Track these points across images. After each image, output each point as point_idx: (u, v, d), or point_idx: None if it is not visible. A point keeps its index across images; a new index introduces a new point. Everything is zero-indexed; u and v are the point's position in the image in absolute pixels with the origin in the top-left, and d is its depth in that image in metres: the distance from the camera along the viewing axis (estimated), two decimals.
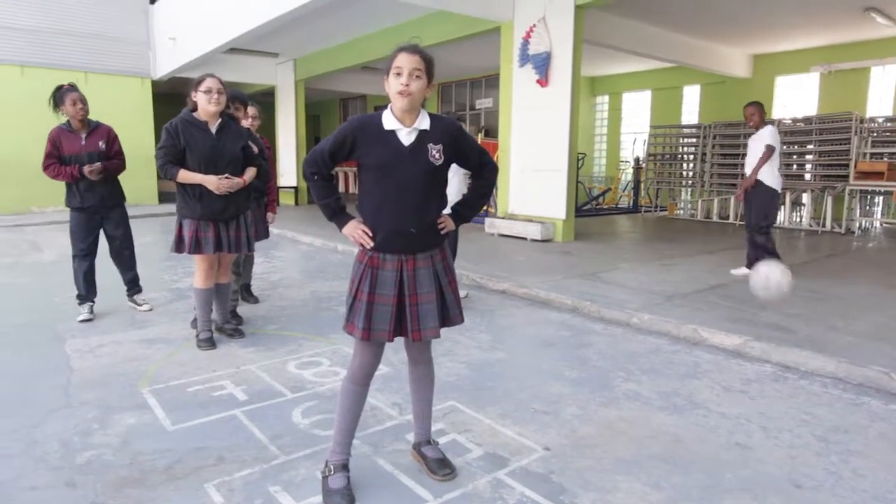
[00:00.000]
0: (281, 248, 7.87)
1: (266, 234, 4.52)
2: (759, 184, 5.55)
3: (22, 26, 11.80)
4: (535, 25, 7.79)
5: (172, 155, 3.39)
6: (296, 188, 14.18)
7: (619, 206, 13.60)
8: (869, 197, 9.82)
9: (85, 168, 4.05)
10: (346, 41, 11.36)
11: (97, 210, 4.25)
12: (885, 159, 9.28)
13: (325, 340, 3.83)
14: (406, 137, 1.93)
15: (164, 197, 13.79)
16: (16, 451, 2.34)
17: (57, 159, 4.07)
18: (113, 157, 4.24)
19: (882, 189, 9.09)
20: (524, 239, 7.91)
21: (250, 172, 3.65)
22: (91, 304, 4.34)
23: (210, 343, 3.63)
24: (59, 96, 4.09)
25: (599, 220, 10.91)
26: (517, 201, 8.40)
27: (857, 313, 4.23)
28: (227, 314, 3.94)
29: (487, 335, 3.98)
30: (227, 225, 3.57)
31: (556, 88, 7.68)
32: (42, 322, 4.20)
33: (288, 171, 14.44)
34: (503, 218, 8.45)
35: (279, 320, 4.29)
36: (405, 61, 1.88)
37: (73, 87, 4.12)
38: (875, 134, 9.77)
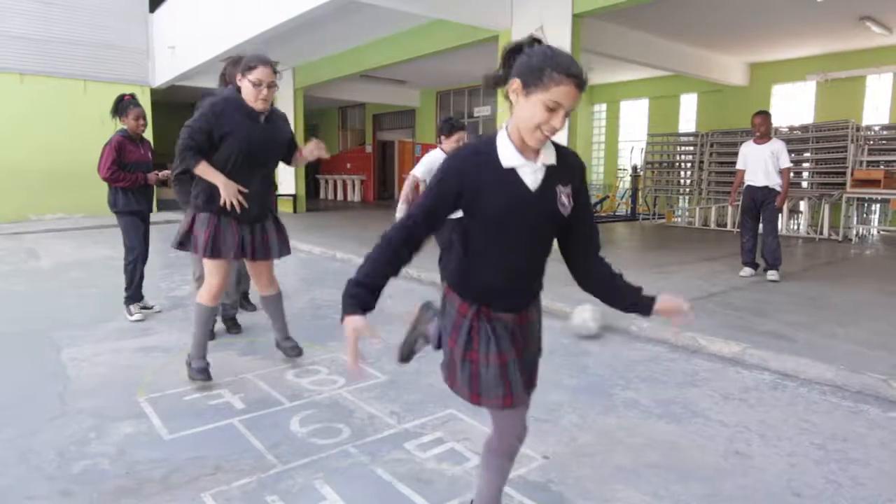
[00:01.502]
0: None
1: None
2: (773, 192, 5.74)
3: (21, 34, 11.83)
4: (540, 27, 7.83)
5: (201, 140, 2.86)
6: (294, 196, 14.18)
7: (618, 213, 13.62)
8: (866, 205, 9.86)
9: (151, 176, 4.43)
10: (345, 50, 11.41)
11: (146, 214, 4.58)
12: (882, 167, 9.32)
13: (324, 349, 3.82)
14: (531, 177, 1.48)
15: (161, 205, 13.78)
16: (11, 460, 2.33)
17: (118, 165, 4.29)
18: (155, 167, 4.59)
19: (879, 197, 9.12)
20: None
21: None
22: (140, 303, 4.61)
23: (205, 374, 3.05)
24: (123, 108, 4.34)
25: (599, 228, 10.90)
26: None
27: (856, 321, 4.23)
28: (285, 330, 3.44)
29: None
30: (252, 227, 3.10)
31: None
32: (39, 330, 4.19)
33: (286, 180, 14.45)
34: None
35: None
36: (567, 95, 1.36)
37: (135, 102, 4.39)
38: (871, 142, 9.82)
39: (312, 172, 20.39)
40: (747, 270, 5.99)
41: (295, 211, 14.04)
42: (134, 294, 4.53)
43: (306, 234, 9.54)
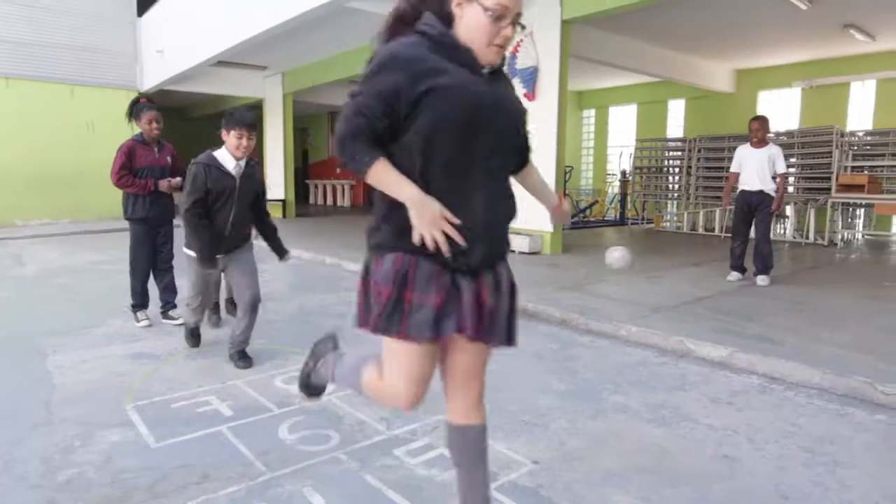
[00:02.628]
0: (268, 261, 7.78)
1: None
2: (768, 197, 5.79)
3: (7, 38, 11.72)
4: (521, 40, 7.88)
5: (378, 115, 1.46)
6: (283, 201, 14.13)
7: (607, 218, 13.70)
8: (851, 209, 9.99)
9: (163, 182, 4.25)
10: (334, 54, 11.41)
11: (158, 222, 4.40)
12: (866, 172, 9.45)
13: None
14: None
15: None
16: None
17: (128, 170, 4.19)
18: (177, 174, 4.40)
19: (863, 201, 9.25)
20: (513, 251, 7.92)
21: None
22: (147, 310, 4.52)
23: None
24: (137, 111, 4.26)
25: (587, 233, 10.97)
26: None
27: (842, 324, 4.27)
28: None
29: None
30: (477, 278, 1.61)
31: (544, 102, 7.75)
32: (24, 337, 4.13)
33: (276, 184, 14.39)
34: None
35: (267, 334, 4.25)
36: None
37: (150, 105, 4.28)
38: (855, 147, 9.96)
39: (302, 177, 20.33)
40: (735, 275, 6.04)
41: (284, 216, 13.99)
42: (139, 303, 4.49)
43: (297, 239, 9.51)
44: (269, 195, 14.33)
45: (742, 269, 6.05)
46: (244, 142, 3.34)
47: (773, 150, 5.86)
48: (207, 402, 2.98)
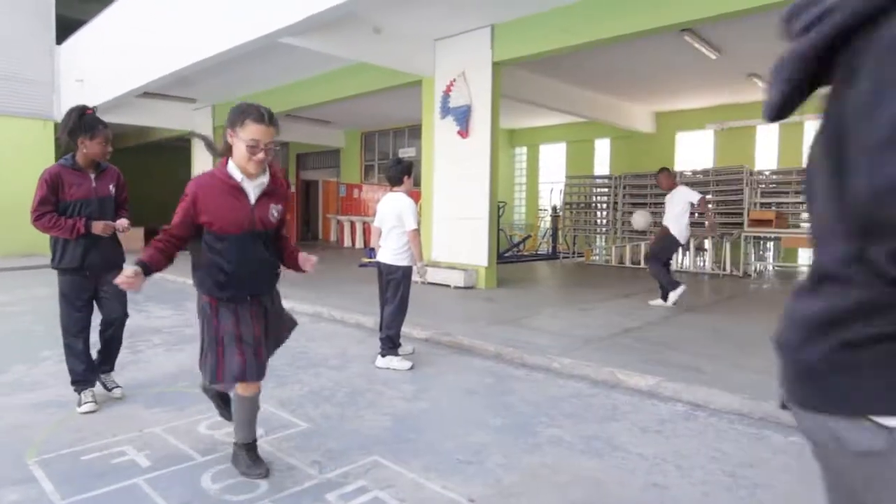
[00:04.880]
0: (196, 299, 7.48)
1: None
2: (668, 232, 6.31)
3: None
4: (455, 80, 8.09)
5: None
6: None
7: (539, 252, 14.05)
8: (762, 242, 10.71)
9: (98, 224, 3.24)
10: (267, 89, 11.30)
11: (98, 271, 3.35)
12: (773, 208, 10.20)
13: None
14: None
15: None
16: None
17: (53, 206, 3.20)
18: (121, 207, 3.50)
19: (772, 235, 9.94)
20: (447, 286, 7.96)
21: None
22: (93, 389, 3.44)
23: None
24: (88, 126, 3.24)
25: (520, 267, 11.19)
26: (440, 249, 8.49)
27: (757, 351, 4.52)
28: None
29: (411, 385, 3.92)
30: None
31: (477, 140, 7.95)
32: None
33: None
34: (426, 265, 8.48)
35: (190, 376, 4.03)
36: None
37: (102, 120, 3.33)
38: (763, 185, 10.76)
39: None
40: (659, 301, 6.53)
41: None
42: (81, 379, 3.40)
43: None
44: None
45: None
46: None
47: (676, 193, 6.63)
48: (122, 453, 2.78)
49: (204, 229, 2.40)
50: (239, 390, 2.54)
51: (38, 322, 5.95)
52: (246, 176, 2.41)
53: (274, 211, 2.51)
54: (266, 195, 2.47)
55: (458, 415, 3.38)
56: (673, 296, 6.38)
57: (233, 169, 2.39)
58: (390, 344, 4.30)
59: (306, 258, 2.68)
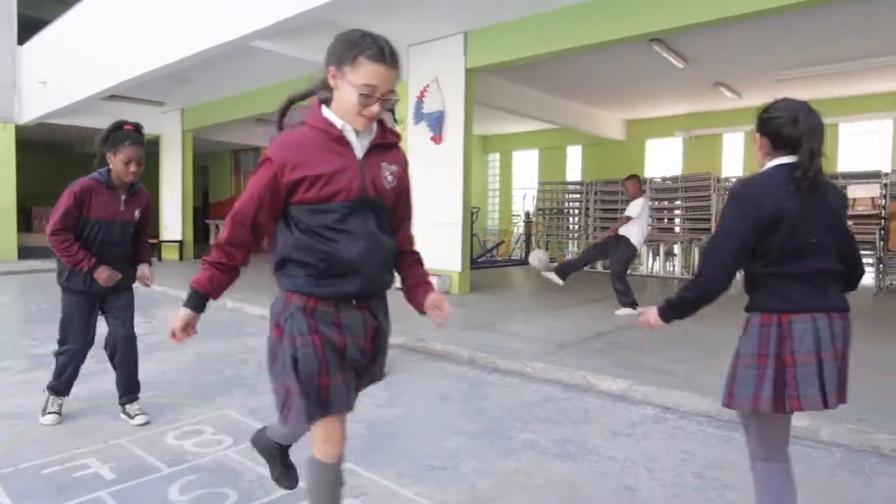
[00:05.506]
0: (163, 306, 7.33)
1: None
2: (625, 240, 6.33)
3: None
4: (428, 86, 8.11)
5: None
6: (181, 242, 13.40)
7: (512, 257, 14.13)
8: None
9: (102, 272, 3.00)
10: (237, 93, 11.16)
11: (104, 293, 3.16)
12: None
13: (210, 406, 3.56)
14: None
15: (23, 252, 12.48)
16: None
17: (75, 221, 2.99)
18: (141, 231, 3.31)
19: None
20: None
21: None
22: (63, 400, 3.29)
23: None
24: (116, 140, 2.98)
25: (494, 272, 11.23)
26: None
27: (725, 354, 4.59)
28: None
29: (385, 391, 3.89)
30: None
31: (450, 146, 7.97)
32: None
33: (172, 224, 13.65)
34: None
35: (157, 386, 3.94)
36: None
37: (137, 136, 3.02)
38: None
39: (201, 217, 19.43)
40: (625, 311, 6.49)
41: (181, 258, 13.24)
42: (61, 388, 3.23)
43: None
44: (165, 235, 13.61)
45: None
46: None
47: (633, 203, 6.61)
48: (86, 466, 2.69)
49: (291, 209, 1.64)
50: (319, 453, 1.82)
51: (0, 330, 5.75)
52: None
53: (388, 173, 1.76)
54: (376, 150, 1.75)
55: (432, 421, 3.37)
56: (626, 312, 6.35)
57: (331, 115, 1.69)
58: None
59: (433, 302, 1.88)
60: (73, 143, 17.81)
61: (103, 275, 3.01)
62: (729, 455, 2.92)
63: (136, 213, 3.18)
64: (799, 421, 3.20)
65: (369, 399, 3.71)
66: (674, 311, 1.90)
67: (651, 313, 1.90)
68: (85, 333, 3.18)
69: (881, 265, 9.15)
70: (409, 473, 2.65)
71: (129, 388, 3.28)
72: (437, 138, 8.08)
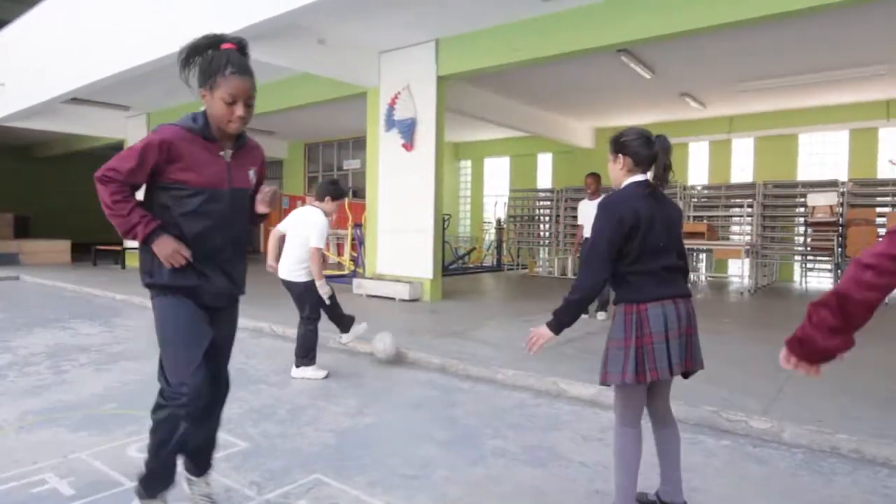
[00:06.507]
0: (126, 315, 7.14)
1: None
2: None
3: None
4: (399, 93, 8.11)
5: None
6: None
7: (484, 264, 14.19)
8: (695, 254, 11.20)
9: (164, 244, 1.97)
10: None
11: (220, 298, 2.14)
12: (705, 221, 10.71)
13: None
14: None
15: None
16: None
17: (143, 178, 1.98)
18: (253, 198, 2.23)
19: (705, 247, 10.42)
20: (393, 299, 7.91)
21: None
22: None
23: None
24: (216, 66, 1.93)
25: (466, 279, 11.26)
26: (385, 262, 8.44)
27: None
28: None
29: (355, 399, 3.85)
30: None
31: (421, 153, 7.98)
32: None
33: None
34: (371, 278, 8.42)
35: (119, 398, 3.83)
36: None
37: (244, 63, 1.98)
38: (695, 199, 11.29)
39: None
40: (601, 314, 6.58)
41: None
42: (170, 476, 2.14)
43: None
44: (130, 243, 13.24)
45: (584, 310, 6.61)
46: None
47: (598, 201, 6.59)
48: (43, 481, 2.59)
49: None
50: None
51: None
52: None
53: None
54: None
55: (403, 429, 3.35)
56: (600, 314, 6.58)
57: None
58: (302, 353, 4.29)
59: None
60: (33, 147, 17.28)
61: (167, 247, 1.96)
62: (696, 458, 2.97)
63: (251, 176, 2.17)
64: (761, 424, 3.29)
65: (339, 408, 3.67)
66: (562, 319, 2.18)
67: (541, 330, 2.17)
68: (200, 362, 1.99)
69: (839, 271, 9.46)
70: (379, 482, 2.62)
71: (202, 463, 2.30)
72: (408, 145, 8.08)
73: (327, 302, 4.31)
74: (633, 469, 2.21)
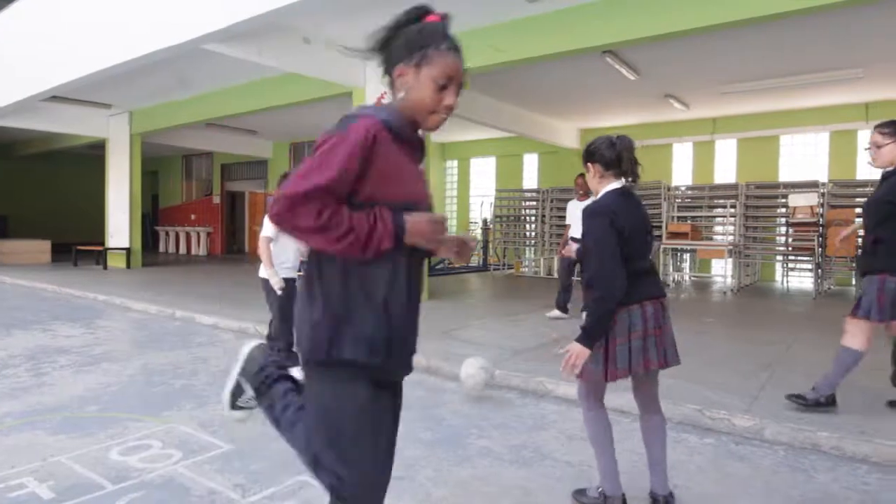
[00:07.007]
0: (107, 316, 7.04)
1: None
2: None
3: None
4: (385, 92, 8.07)
5: None
6: (128, 249, 12.91)
7: (470, 264, 14.21)
8: (679, 254, 11.31)
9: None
10: (189, 97, 10.87)
11: (408, 365, 1.68)
12: (689, 221, 10.81)
13: (157, 420, 3.43)
14: None
15: None
16: None
17: (349, 195, 1.39)
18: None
19: (688, 247, 10.52)
20: None
21: None
22: None
23: None
24: (428, 37, 1.44)
25: (452, 279, 11.26)
26: None
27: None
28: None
29: None
30: None
31: None
32: None
33: (119, 231, 13.14)
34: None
35: (100, 400, 3.78)
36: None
37: (456, 42, 1.48)
38: (679, 200, 11.39)
39: (150, 224, 18.83)
40: (555, 312, 6.65)
41: (129, 266, 12.75)
42: None
43: (141, 290, 8.68)
44: (112, 243, 13.09)
45: (565, 309, 6.71)
46: None
47: (586, 204, 6.63)
48: (22, 485, 2.55)
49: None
50: None
51: None
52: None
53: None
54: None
55: None
56: (555, 314, 6.63)
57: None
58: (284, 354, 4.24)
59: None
60: (14, 145, 16.99)
61: (425, 225, 1.42)
62: (679, 456, 3.00)
63: (425, 191, 1.58)
64: (743, 422, 3.33)
65: None
66: (593, 333, 2.25)
67: (575, 348, 2.27)
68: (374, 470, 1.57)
69: (819, 270, 9.61)
70: None
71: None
72: None
73: (279, 293, 4.06)
74: (610, 449, 2.37)
